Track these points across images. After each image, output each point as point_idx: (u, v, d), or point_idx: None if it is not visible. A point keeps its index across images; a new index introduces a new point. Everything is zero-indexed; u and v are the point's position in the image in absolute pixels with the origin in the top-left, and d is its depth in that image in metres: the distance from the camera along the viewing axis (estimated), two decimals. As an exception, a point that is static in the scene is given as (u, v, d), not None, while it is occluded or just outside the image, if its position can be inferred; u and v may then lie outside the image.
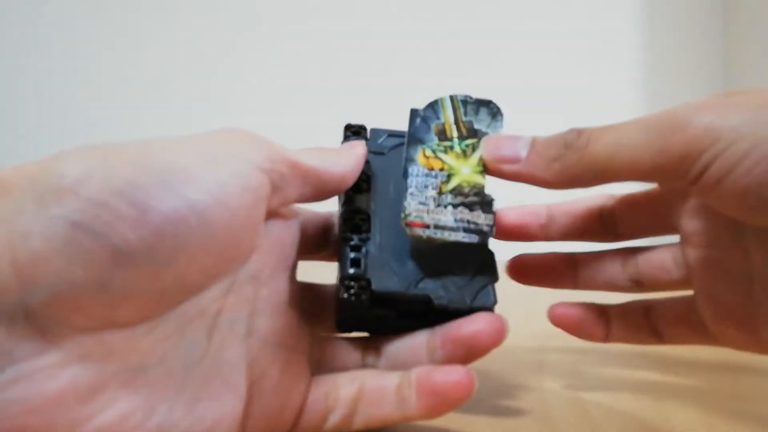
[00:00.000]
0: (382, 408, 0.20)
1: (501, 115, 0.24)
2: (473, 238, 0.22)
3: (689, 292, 0.24)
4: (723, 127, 0.18)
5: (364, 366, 0.23)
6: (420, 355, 0.22)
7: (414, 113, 0.24)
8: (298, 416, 0.21)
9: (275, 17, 0.84)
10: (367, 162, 0.23)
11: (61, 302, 0.14)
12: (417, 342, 0.22)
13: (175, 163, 0.16)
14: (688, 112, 0.18)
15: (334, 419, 0.21)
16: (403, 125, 0.24)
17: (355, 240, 0.22)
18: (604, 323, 0.25)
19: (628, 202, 0.25)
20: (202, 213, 0.15)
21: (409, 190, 0.22)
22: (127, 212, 0.14)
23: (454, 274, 0.22)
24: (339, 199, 0.24)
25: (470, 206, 0.22)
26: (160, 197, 0.15)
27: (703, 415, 0.24)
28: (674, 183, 0.19)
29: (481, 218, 0.22)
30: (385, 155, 0.25)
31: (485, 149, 0.23)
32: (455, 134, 0.23)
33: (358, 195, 0.23)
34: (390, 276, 0.22)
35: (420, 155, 0.23)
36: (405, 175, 0.23)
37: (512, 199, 0.26)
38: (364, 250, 0.22)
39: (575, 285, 0.26)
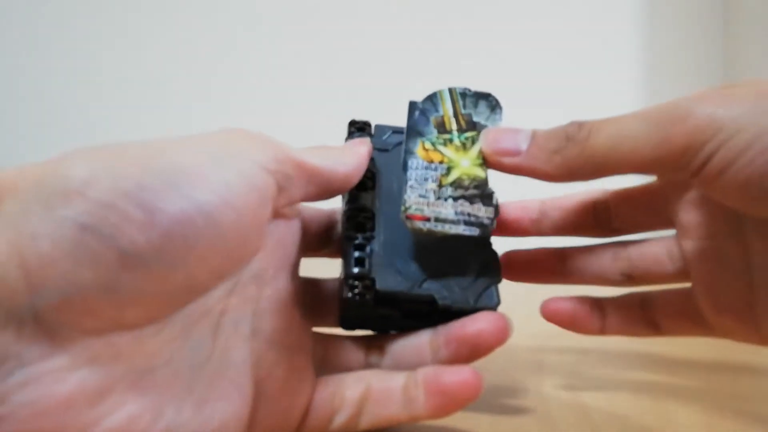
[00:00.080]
0: (388, 408, 0.20)
1: (500, 107, 0.24)
2: (474, 231, 0.22)
3: (687, 284, 0.23)
4: (725, 118, 0.17)
5: (367, 364, 0.23)
6: (424, 353, 0.22)
7: (413, 106, 0.24)
8: (304, 417, 0.21)
9: (275, 17, 0.84)
10: (371, 159, 0.23)
11: (70, 305, 0.14)
12: (420, 341, 0.22)
13: (181, 163, 0.16)
14: (689, 104, 0.18)
15: (340, 419, 0.21)
16: (404, 124, 0.24)
17: (359, 239, 0.22)
18: (599, 316, 0.24)
19: (624, 196, 0.25)
20: (209, 214, 0.15)
21: (409, 183, 0.22)
22: (135, 214, 0.14)
23: (458, 274, 0.22)
24: (343, 196, 0.24)
25: (470, 199, 0.22)
26: (168, 199, 0.15)
27: (703, 415, 0.24)
28: (676, 175, 0.19)
29: (481, 211, 0.22)
30: (390, 152, 0.25)
31: (485, 142, 0.22)
32: (454, 127, 0.23)
33: (362, 193, 0.23)
34: (394, 275, 0.22)
35: (419, 148, 0.23)
36: (404, 168, 0.23)
37: (513, 194, 0.26)
38: (368, 249, 0.22)
39: (565, 280, 0.26)
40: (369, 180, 0.23)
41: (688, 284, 0.23)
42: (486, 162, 0.22)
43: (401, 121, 0.25)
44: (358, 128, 0.25)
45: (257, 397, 0.19)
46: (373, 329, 0.24)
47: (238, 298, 0.19)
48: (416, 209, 0.22)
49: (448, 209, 0.22)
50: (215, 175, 0.16)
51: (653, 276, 0.24)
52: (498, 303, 0.22)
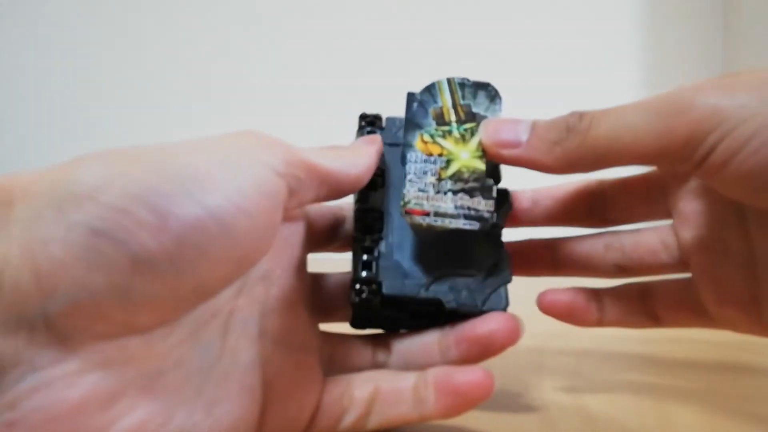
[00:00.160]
0: (397, 408, 0.21)
1: (499, 97, 0.23)
2: (474, 225, 0.22)
3: (686, 275, 0.23)
4: (728, 108, 0.17)
5: (374, 363, 0.23)
6: (432, 353, 0.22)
7: (411, 97, 0.24)
8: (312, 417, 0.21)
9: (275, 17, 0.84)
10: (381, 155, 0.23)
11: (81, 310, 0.14)
12: (428, 340, 0.22)
13: (194, 168, 0.16)
14: (691, 94, 0.18)
15: (349, 419, 0.21)
16: None
17: (366, 241, 0.22)
18: (597, 307, 0.24)
19: (621, 186, 0.25)
20: (221, 219, 0.15)
21: (408, 177, 0.22)
22: (148, 219, 0.14)
23: (467, 274, 0.22)
24: (354, 194, 0.24)
25: (470, 192, 0.22)
26: (181, 204, 0.15)
27: (703, 415, 0.24)
28: (678, 166, 0.19)
29: (481, 204, 0.22)
30: (400, 146, 0.24)
31: (485, 133, 0.22)
32: (453, 118, 0.23)
33: (371, 192, 0.23)
34: (401, 279, 0.22)
35: (418, 141, 0.23)
36: (403, 161, 0.22)
37: (512, 187, 0.26)
38: (375, 251, 0.22)
39: (557, 272, 0.25)
40: (379, 178, 0.23)
41: (687, 274, 0.23)
42: (485, 154, 0.22)
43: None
44: (368, 122, 0.24)
45: (266, 398, 0.19)
46: (383, 328, 0.24)
47: (246, 298, 0.19)
48: (415, 204, 0.22)
49: (447, 203, 0.22)
50: (227, 179, 0.16)
51: (648, 267, 0.24)
52: (507, 305, 0.22)
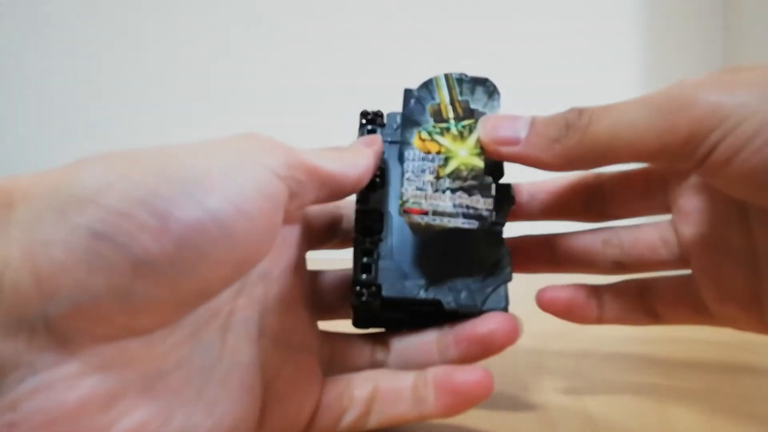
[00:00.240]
0: (397, 407, 0.21)
1: (498, 93, 0.23)
2: (473, 224, 0.21)
3: (686, 271, 0.23)
4: (731, 105, 0.17)
5: (373, 362, 0.23)
6: (430, 352, 0.22)
7: (408, 93, 0.23)
8: (312, 416, 0.21)
9: (275, 17, 0.84)
10: (382, 154, 0.23)
11: (82, 312, 0.14)
12: (427, 339, 0.22)
13: (195, 170, 0.15)
14: (693, 90, 0.18)
15: (349, 418, 0.21)
16: None
17: (366, 243, 0.22)
18: (596, 304, 0.24)
19: (620, 180, 0.25)
20: (222, 222, 0.15)
21: (406, 176, 0.22)
22: (149, 222, 0.14)
23: (467, 273, 0.22)
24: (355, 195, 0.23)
25: (469, 190, 0.22)
26: (181, 206, 0.15)
27: (703, 415, 0.24)
28: (679, 165, 0.19)
29: (480, 202, 0.21)
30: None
31: (483, 130, 0.22)
32: (451, 115, 0.23)
33: (371, 192, 0.23)
34: (401, 280, 0.22)
35: (416, 138, 0.22)
36: (401, 159, 0.22)
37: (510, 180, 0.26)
38: (375, 253, 0.22)
39: (554, 269, 0.25)
40: (379, 177, 0.23)
41: (687, 271, 0.23)
42: (484, 151, 0.22)
43: None
44: (369, 120, 0.24)
45: (266, 398, 0.19)
46: (385, 327, 0.24)
47: (246, 298, 0.19)
48: (414, 203, 0.21)
49: (446, 202, 0.21)
50: (228, 182, 0.16)
51: (646, 263, 0.24)
52: (507, 304, 0.22)
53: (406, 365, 0.22)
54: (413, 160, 0.22)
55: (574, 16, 0.80)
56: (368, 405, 0.21)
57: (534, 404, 0.25)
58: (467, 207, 0.21)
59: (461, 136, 0.22)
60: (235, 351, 0.18)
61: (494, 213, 0.22)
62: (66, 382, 0.14)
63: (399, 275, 0.22)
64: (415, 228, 0.22)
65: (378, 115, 0.24)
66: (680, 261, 0.23)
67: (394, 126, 0.24)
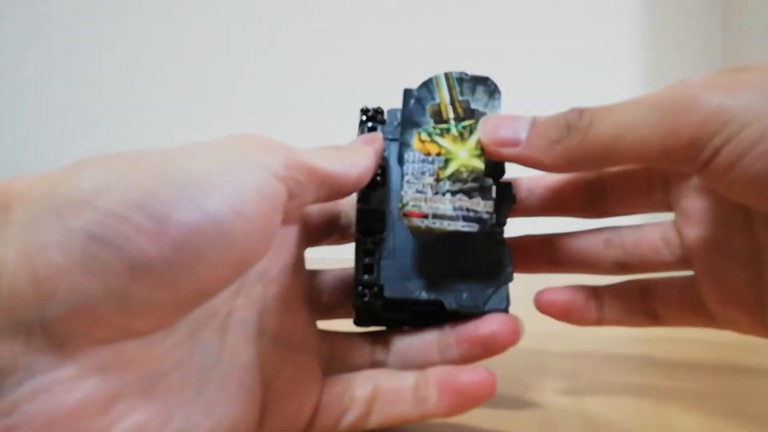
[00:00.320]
0: (398, 407, 0.21)
1: (498, 93, 0.23)
2: (473, 227, 0.21)
3: (687, 273, 0.23)
4: (733, 108, 0.16)
5: (373, 361, 0.23)
6: (431, 352, 0.22)
7: (408, 94, 0.23)
8: (313, 416, 0.21)
9: (275, 17, 0.84)
10: (382, 153, 0.23)
11: (79, 315, 0.14)
12: (427, 339, 0.22)
13: (193, 172, 0.15)
14: (695, 92, 0.17)
15: (349, 418, 0.21)
16: None
17: (367, 243, 0.22)
18: (596, 306, 0.24)
19: (621, 177, 0.24)
20: (221, 224, 0.15)
21: (406, 178, 0.22)
22: (146, 225, 0.14)
23: (468, 274, 0.22)
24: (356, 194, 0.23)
25: (469, 193, 0.21)
26: (180, 209, 0.15)
27: (704, 416, 0.24)
28: (681, 168, 0.18)
29: (480, 205, 0.21)
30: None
31: (483, 131, 0.21)
32: (451, 115, 0.22)
33: (372, 192, 0.23)
34: (402, 281, 0.22)
35: (416, 140, 0.22)
36: (401, 161, 0.22)
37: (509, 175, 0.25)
38: (376, 254, 0.22)
39: (555, 268, 0.25)
40: (379, 176, 0.23)
41: (689, 273, 0.23)
42: (484, 152, 0.21)
43: None
44: (369, 117, 0.24)
45: (266, 398, 0.19)
46: (387, 326, 0.24)
47: (244, 298, 0.19)
48: (413, 206, 0.21)
49: (446, 204, 0.21)
50: (227, 183, 0.16)
51: (648, 264, 0.24)
52: (508, 305, 0.22)
53: (406, 365, 0.22)
54: (413, 162, 0.22)
55: (574, 16, 0.80)
56: (369, 405, 0.21)
57: (534, 404, 0.25)
58: (467, 210, 0.21)
59: (461, 137, 0.22)
60: (234, 351, 0.18)
61: (494, 215, 0.21)
62: (64, 385, 0.14)
63: (400, 275, 0.22)
64: (415, 231, 0.22)
65: (378, 111, 0.24)
66: (682, 262, 0.23)
67: (395, 123, 0.24)
